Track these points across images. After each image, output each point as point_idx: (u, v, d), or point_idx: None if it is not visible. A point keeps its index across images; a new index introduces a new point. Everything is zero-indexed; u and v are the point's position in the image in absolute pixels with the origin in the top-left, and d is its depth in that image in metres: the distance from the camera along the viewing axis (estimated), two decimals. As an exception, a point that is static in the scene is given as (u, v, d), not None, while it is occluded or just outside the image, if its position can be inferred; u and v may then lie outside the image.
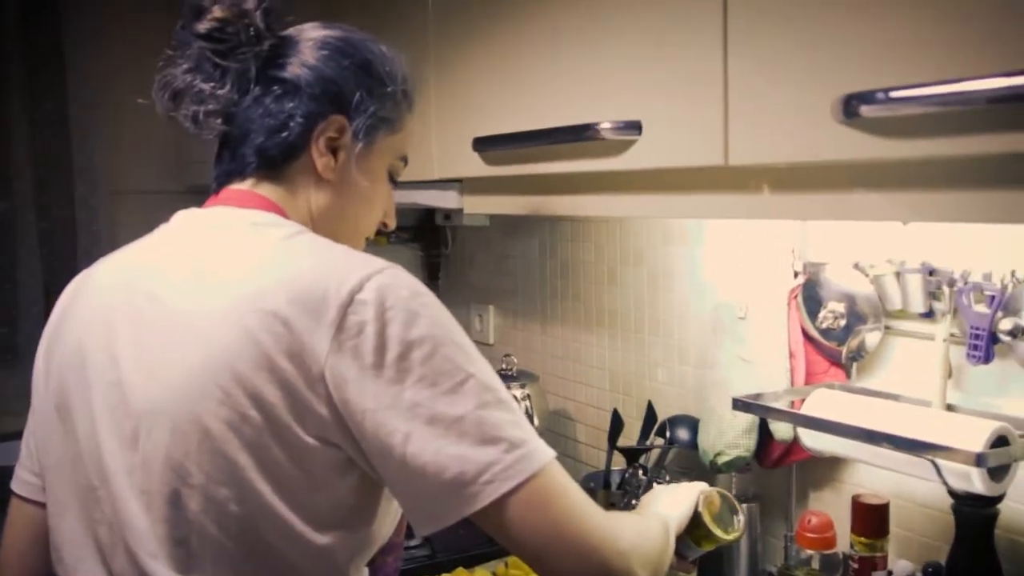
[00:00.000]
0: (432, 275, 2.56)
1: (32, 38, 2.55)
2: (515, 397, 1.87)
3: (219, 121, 1.00)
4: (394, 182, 1.11)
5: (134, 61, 1.04)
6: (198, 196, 1.06)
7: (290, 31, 1.04)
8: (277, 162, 1.00)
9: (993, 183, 0.81)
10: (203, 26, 0.98)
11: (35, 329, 1.05)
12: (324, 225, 1.01)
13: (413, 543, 1.83)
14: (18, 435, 1.07)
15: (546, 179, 1.38)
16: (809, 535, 1.36)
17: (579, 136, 1.21)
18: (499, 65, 1.44)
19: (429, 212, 2.48)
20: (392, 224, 1.13)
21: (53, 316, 1.04)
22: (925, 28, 0.81)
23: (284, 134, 0.99)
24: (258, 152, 0.99)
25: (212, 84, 0.98)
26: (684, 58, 1.07)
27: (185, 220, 1.00)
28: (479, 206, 1.60)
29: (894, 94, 0.81)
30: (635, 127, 1.14)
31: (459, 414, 0.83)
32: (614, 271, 1.91)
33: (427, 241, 2.56)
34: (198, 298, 0.89)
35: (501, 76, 1.43)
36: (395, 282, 0.86)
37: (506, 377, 1.94)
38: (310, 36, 1.03)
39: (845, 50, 0.89)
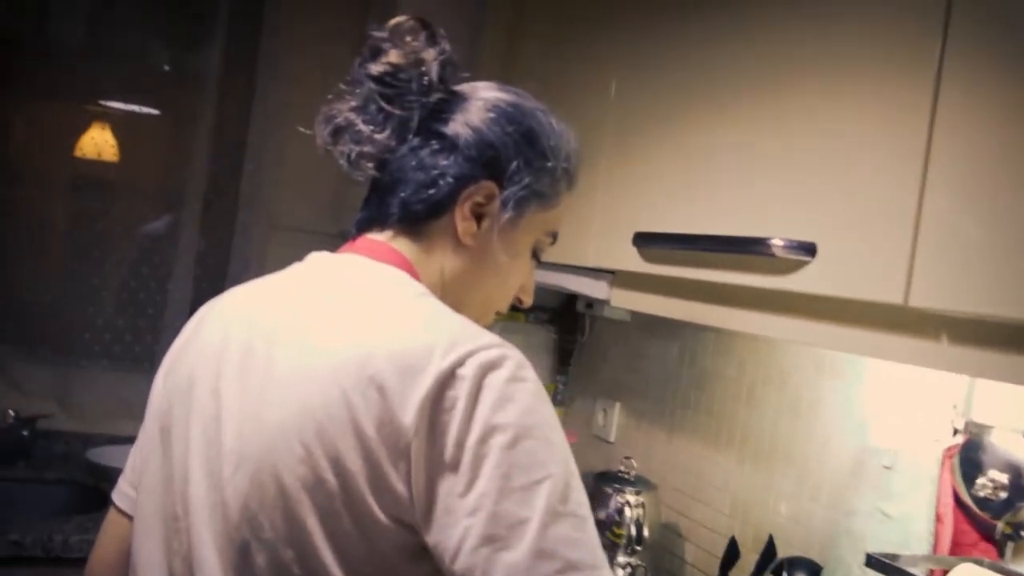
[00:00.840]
0: (564, 361, 2.52)
1: (229, 71, 2.70)
2: (628, 503, 1.80)
3: (372, 165, 0.98)
4: (537, 259, 1.07)
5: (315, 104, 1.04)
6: (350, 242, 1.04)
7: (463, 87, 1.01)
8: (419, 218, 0.96)
9: None
10: (377, 68, 0.96)
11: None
12: (453, 291, 0.97)
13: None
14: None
15: (702, 286, 1.32)
16: None
17: (748, 249, 1.16)
18: (674, 163, 1.40)
19: (571, 298, 2.45)
20: (528, 301, 1.08)
21: (178, 339, 1.04)
22: None
23: (432, 191, 0.95)
24: (402, 204, 0.96)
25: (373, 127, 0.97)
26: (876, 185, 1.01)
27: (317, 264, 0.98)
28: (628, 301, 1.56)
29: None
30: (809, 249, 1.09)
31: (523, 517, 0.75)
32: (754, 391, 1.82)
33: (564, 326, 2.52)
34: (306, 349, 0.86)
35: (674, 174, 1.40)
36: (498, 362, 0.80)
37: (623, 480, 1.87)
38: (481, 96, 1.00)
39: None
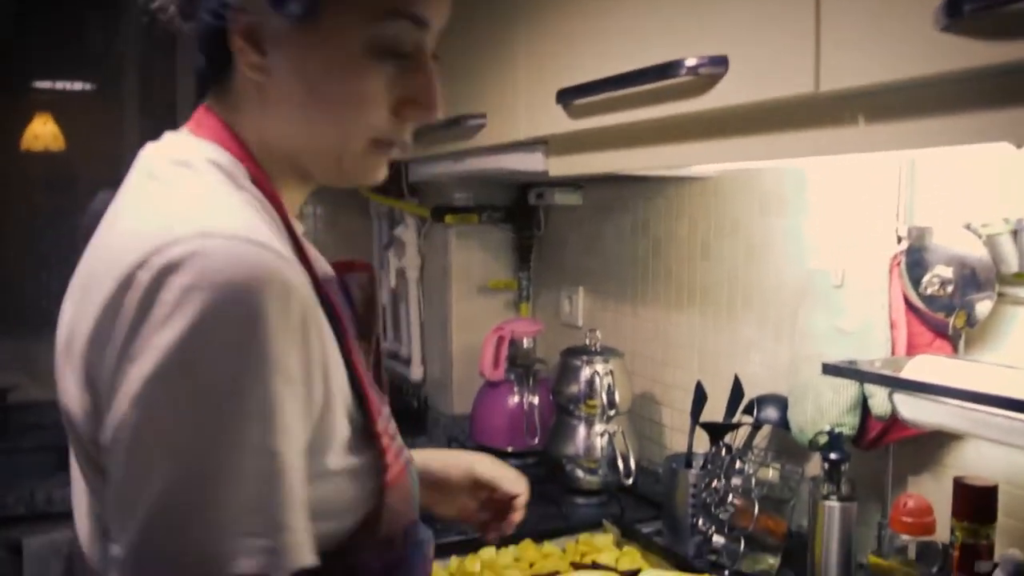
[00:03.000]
0: (524, 257, 2.51)
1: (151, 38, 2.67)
2: (597, 372, 1.80)
3: (173, 18, 0.82)
4: (401, 54, 0.79)
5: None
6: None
7: None
8: (211, 72, 0.81)
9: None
10: None
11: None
12: (282, 142, 0.81)
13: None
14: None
15: (632, 131, 1.31)
16: (905, 519, 1.25)
17: (662, 75, 1.13)
18: (585, 10, 1.38)
19: (523, 192, 2.43)
20: (430, 113, 0.82)
21: None
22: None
23: (204, 34, 0.79)
24: (197, 59, 0.82)
25: None
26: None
27: (148, 147, 0.83)
28: (564, 167, 1.54)
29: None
30: (721, 62, 1.07)
31: (171, 442, 0.63)
32: (708, 245, 1.82)
33: (520, 222, 2.50)
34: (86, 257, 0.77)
35: (586, 22, 1.37)
36: (184, 262, 0.63)
37: (590, 352, 1.87)
38: None
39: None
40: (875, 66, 0.88)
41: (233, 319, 0.63)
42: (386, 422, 0.84)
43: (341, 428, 0.76)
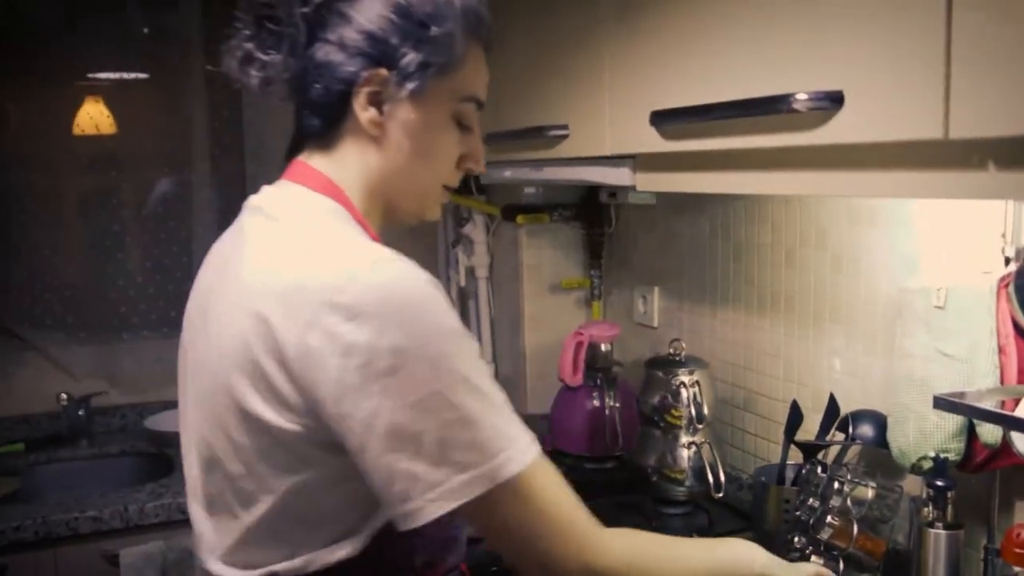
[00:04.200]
0: (595, 254, 2.50)
1: (211, 24, 2.64)
2: (683, 384, 1.79)
3: (280, 89, 1.01)
4: (466, 127, 1.06)
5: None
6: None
7: None
8: (324, 129, 1.01)
9: None
10: None
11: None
12: (383, 185, 1.02)
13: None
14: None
15: (729, 154, 1.29)
16: (1018, 550, 1.23)
17: (771, 108, 1.11)
18: (680, 33, 1.35)
19: (592, 190, 2.41)
20: (480, 168, 1.10)
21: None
22: None
23: (325, 99, 0.98)
24: (308, 120, 1.01)
25: (267, 51, 0.99)
26: (900, 19, 0.96)
27: (259, 199, 1.03)
28: (653, 184, 1.52)
29: None
30: (836, 99, 1.04)
31: (417, 430, 0.84)
32: (792, 253, 1.80)
33: (590, 220, 2.49)
34: (228, 286, 0.96)
35: (684, 43, 1.34)
36: (376, 281, 0.85)
37: (674, 363, 1.86)
38: None
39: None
40: (1015, 117, 0.85)
41: (423, 308, 0.86)
42: None
43: None
